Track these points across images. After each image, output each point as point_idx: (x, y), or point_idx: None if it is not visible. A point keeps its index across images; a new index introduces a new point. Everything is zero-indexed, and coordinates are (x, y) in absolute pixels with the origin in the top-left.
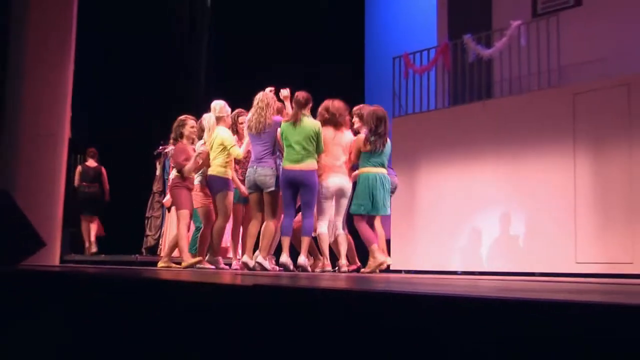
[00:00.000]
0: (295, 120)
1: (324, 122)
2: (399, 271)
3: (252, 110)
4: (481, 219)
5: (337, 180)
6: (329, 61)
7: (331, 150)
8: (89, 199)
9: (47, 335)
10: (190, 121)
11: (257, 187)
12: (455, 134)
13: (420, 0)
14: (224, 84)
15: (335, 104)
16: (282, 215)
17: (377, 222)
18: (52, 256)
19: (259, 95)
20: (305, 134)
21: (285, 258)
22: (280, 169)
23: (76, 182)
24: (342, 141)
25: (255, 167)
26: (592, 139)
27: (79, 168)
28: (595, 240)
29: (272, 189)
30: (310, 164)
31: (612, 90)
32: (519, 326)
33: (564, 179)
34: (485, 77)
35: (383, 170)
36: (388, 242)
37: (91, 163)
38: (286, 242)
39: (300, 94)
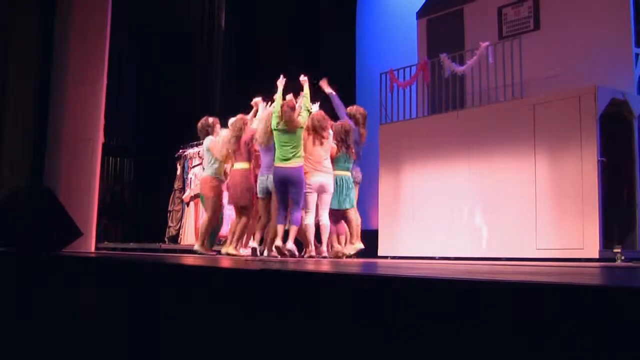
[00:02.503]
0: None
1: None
2: (386, 257)
3: (259, 125)
4: (456, 212)
5: (319, 178)
6: (323, 76)
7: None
8: None
9: (82, 315)
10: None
11: (267, 192)
12: (433, 139)
13: (404, 24)
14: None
15: (316, 116)
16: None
17: (351, 213)
18: (89, 244)
19: (263, 114)
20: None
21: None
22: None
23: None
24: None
25: (267, 175)
26: (550, 143)
27: None
28: (552, 229)
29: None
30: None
31: (565, 101)
32: (485, 305)
33: (526, 177)
34: (459, 90)
35: (347, 173)
36: (375, 231)
37: None
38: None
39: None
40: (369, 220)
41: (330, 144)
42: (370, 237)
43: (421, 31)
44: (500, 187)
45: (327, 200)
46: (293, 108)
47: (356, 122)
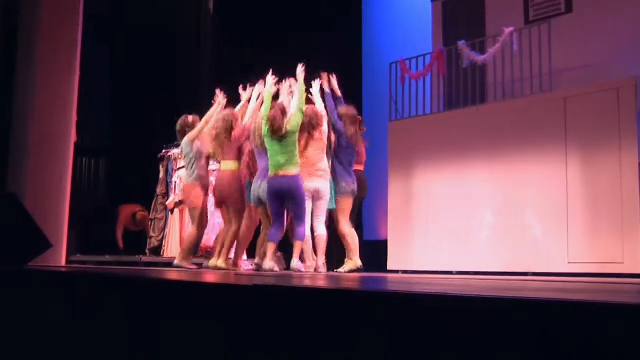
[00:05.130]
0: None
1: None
2: (396, 271)
3: (250, 123)
4: (475, 221)
5: (314, 183)
6: (327, 67)
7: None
8: None
9: (53, 334)
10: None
11: (260, 202)
12: (450, 138)
13: (416, 8)
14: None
15: (307, 112)
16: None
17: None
18: (58, 257)
19: (254, 106)
20: None
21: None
22: None
23: None
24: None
25: (260, 182)
26: (583, 142)
27: None
28: (586, 240)
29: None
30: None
31: (602, 94)
32: (508, 324)
33: (556, 181)
34: (479, 83)
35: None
36: (384, 242)
37: None
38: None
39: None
40: (376, 230)
41: (325, 143)
42: (378, 249)
43: (436, 16)
44: (526, 193)
45: (323, 207)
46: (284, 112)
47: (344, 124)
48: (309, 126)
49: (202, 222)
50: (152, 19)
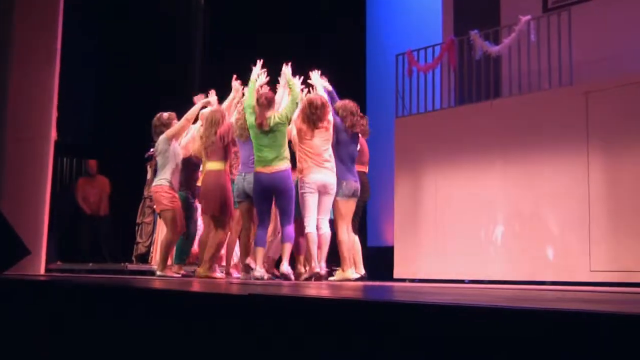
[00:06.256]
0: None
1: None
2: (403, 280)
3: (235, 114)
4: (489, 225)
5: (320, 175)
6: (328, 58)
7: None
8: None
9: (32, 346)
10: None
11: (246, 196)
12: (461, 136)
13: None
14: (218, 80)
15: (313, 100)
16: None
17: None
18: (37, 264)
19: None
20: None
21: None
22: None
23: None
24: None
25: (244, 174)
26: (607, 141)
27: None
28: (610, 247)
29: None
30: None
31: (627, 88)
32: (528, 336)
33: (577, 183)
34: (493, 75)
35: None
36: (390, 249)
37: None
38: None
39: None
40: (382, 236)
41: (331, 134)
42: (384, 256)
43: (446, 3)
44: (545, 196)
45: (328, 203)
46: (271, 102)
47: (343, 118)
48: (316, 117)
49: (175, 226)
50: (140, 11)
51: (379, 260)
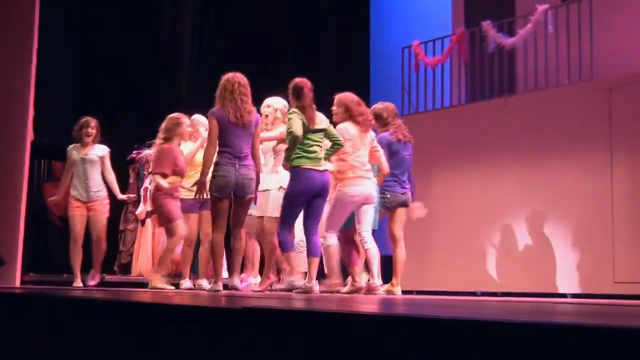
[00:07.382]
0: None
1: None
2: (410, 292)
3: (230, 97)
4: (503, 232)
5: (364, 188)
6: (330, 52)
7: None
8: None
9: None
10: (186, 120)
11: (231, 193)
12: (472, 135)
13: None
14: (207, 82)
15: (348, 99)
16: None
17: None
18: (12, 276)
19: (237, 79)
20: None
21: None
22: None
23: None
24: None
25: (236, 165)
26: (631, 140)
27: None
28: (635, 257)
29: (251, 195)
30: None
31: None
32: (551, 353)
33: (599, 187)
34: (507, 70)
35: None
36: (390, 259)
37: None
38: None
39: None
40: (387, 244)
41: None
42: (389, 266)
43: None
44: (564, 200)
45: (371, 214)
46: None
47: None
48: (361, 117)
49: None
50: (122, 7)
51: (383, 270)
